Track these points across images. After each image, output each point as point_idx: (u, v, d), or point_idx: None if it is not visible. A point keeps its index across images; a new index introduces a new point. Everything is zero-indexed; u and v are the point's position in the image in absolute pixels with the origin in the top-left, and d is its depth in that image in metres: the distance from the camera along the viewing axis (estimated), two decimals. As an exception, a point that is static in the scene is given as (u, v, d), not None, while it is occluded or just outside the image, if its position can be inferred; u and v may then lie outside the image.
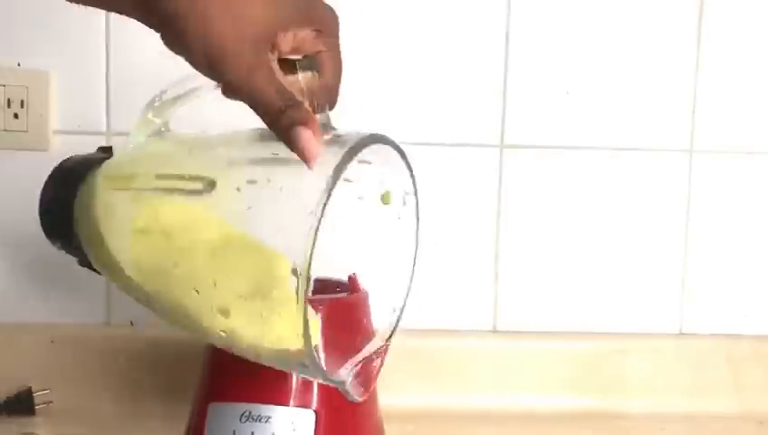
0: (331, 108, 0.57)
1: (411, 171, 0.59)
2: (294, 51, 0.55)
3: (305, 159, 0.50)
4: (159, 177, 0.58)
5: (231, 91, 0.52)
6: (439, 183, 0.91)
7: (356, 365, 0.58)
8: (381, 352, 0.61)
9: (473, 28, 0.90)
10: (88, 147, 0.87)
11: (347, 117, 0.90)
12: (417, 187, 0.60)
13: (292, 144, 0.50)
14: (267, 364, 0.57)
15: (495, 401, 0.90)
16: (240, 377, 0.69)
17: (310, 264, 0.49)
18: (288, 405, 0.66)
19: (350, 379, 0.57)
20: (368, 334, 0.74)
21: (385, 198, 0.60)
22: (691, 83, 0.92)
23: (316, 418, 0.66)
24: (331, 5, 0.57)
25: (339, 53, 0.57)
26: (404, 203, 0.60)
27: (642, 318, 0.94)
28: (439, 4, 0.90)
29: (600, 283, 0.93)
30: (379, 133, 0.55)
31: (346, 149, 0.52)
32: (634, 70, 0.91)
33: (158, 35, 0.52)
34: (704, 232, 0.93)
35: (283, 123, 0.51)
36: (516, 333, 0.92)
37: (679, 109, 0.92)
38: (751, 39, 0.92)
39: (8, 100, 0.87)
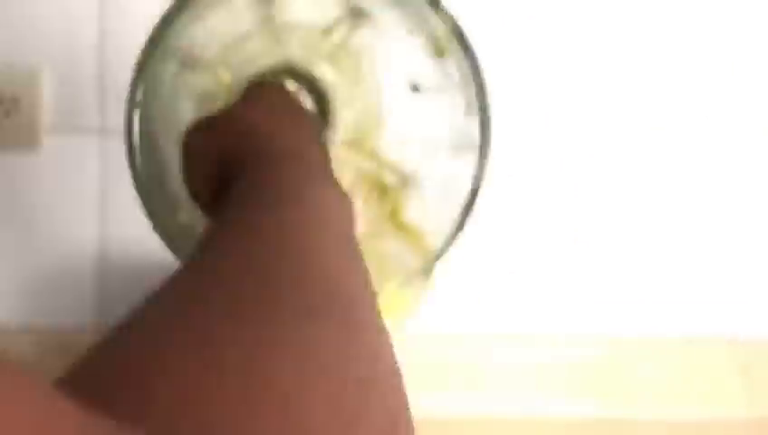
0: None
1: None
2: None
3: None
4: None
5: None
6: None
7: None
8: None
9: (475, 27, 0.89)
10: (81, 146, 0.88)
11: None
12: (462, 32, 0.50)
13: None
14: None
15: (498, 406, 0.89)
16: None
17: None
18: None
19: None
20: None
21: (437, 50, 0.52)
22: (693, 82, 0.90)
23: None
24: None
25: None
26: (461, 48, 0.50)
27: (649, 322, 0.92)
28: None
29: (603, 285, 0.92)
30: None
31: None
32: (634, 68, 0.90)
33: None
34: (713, 234, 0.92)
35: None
36: (520, 337, 0.91)
37: (682, 107, 0.90)
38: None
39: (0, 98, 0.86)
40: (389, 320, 0.50)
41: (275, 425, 0.24)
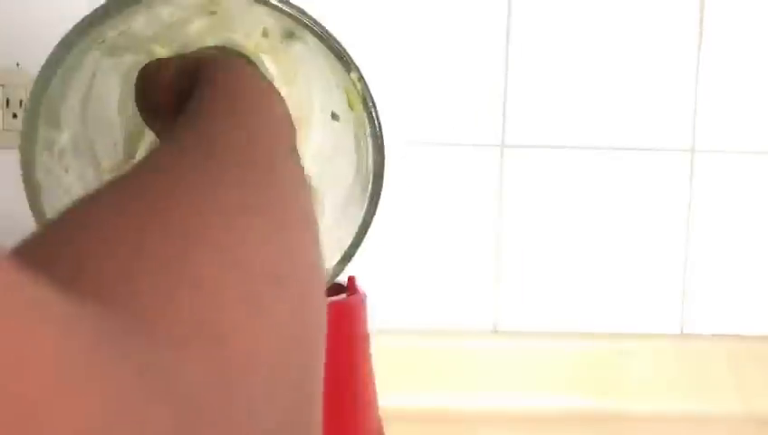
0: None
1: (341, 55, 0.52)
2: None
3: None
4: None
5: None
6: (439, 183, 0.91)
7: None
8: None
9: (473, 27, 0.90)
10: (87, 147, 0.89)
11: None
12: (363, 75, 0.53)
13: None
14: None
15: (496, 402, 0.89)
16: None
17: None
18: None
19: None
20: (366, 336, 0.74)
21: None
22: (692, 83, 0.91)
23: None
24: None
25: None
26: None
27: (643, 318, 0.93)
28: (440, 3, 0.90)
29: (600, 283, 0.93)
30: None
31: None
32: (634, 69, 0.91)
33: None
34: (705, 232, 0.93)
35: None
36: (517, 334, 0.92)
37: (680, 109, 0.92)
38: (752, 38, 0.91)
39: (7, 100, 0.87)
40: None
41: (186, 310, 0.25)
